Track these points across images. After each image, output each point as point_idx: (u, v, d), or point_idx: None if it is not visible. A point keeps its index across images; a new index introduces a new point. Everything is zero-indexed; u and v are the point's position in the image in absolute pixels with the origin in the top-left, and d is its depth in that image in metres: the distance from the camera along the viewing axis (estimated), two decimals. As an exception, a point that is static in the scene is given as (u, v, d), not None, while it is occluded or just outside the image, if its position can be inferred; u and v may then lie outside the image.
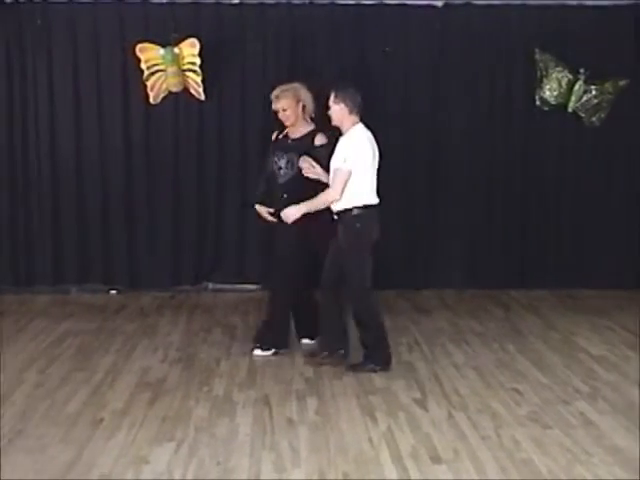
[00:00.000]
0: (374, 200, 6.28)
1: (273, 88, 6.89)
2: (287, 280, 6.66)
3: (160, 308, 8.42)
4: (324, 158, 6.48)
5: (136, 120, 8.90)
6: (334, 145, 6.40)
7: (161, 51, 8.51)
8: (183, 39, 8.47)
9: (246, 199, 8.50)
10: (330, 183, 6.29)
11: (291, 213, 6.31)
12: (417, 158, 9.10)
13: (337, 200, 6.18)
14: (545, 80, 8.88)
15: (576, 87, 8.84)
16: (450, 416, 5.52)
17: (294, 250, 6.61)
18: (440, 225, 9.20)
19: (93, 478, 4.55)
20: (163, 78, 8.61)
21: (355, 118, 6.28)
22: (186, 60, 8.53)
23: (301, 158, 6.54)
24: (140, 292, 9.00)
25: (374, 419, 5.44)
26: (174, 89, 8.68)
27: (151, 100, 8.65)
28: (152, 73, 8.62)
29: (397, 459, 4.81)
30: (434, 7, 8.99)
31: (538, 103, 8.99)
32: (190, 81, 8.61)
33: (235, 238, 9.03)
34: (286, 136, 6.85)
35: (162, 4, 8.81)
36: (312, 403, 5.73)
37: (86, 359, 6.74)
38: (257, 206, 6.99)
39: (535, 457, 4.86)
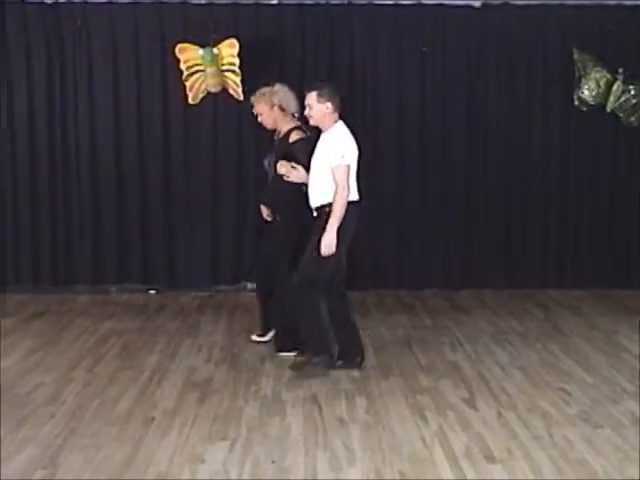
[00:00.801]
0: (356, 197, 6.21)
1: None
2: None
3: (200, 308, 8.45)
4: (300, 151, 6.48)
5: (175, 120, 8.95)
6: (315, 141, 6.35)
7: (200, 51, 8.53)
8: (222, 39, 8.49)
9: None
10: (334, 181, 6.12)
11: (329, 241, 6.01)
12: (454, 158, 9.11)
13: (347, 194, 6.09)
14: (583, 80, 8.85)
15: (614, 87, 8.81)
16: (500, 415, 5.51)
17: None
18: (478, 225, 9.18)
19: (150, 477, 4.54)
20: (202, 78, 8.63)
21: (336, 116, 6.21)
22: (225, 60, 8.55)
23: (278, 164, 6.53)
24: (179, 292, 9.04)
25: (424, 418, 5.44)
26: (213, 89, 8.70)
27: (190, 100, 8.67)
28: (191, 73, 8.64)
29: (451, 458, 4.81)
30: (472, 7, 8.95)
31: (576, 103, 8.97)
32: (229, 81, 8.63)
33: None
34: (277, 136, 6.96)
35: (201, 4, 8.86)
36: (361, 402, 5.73)
37: (131, 358, 6.77)
38: (262, 206, 7.09)
39: (589, 457, 4.84)
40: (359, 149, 6.33)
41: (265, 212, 7.01)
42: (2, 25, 8.78)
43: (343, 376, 6.31)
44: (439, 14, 8.94)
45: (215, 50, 8.51)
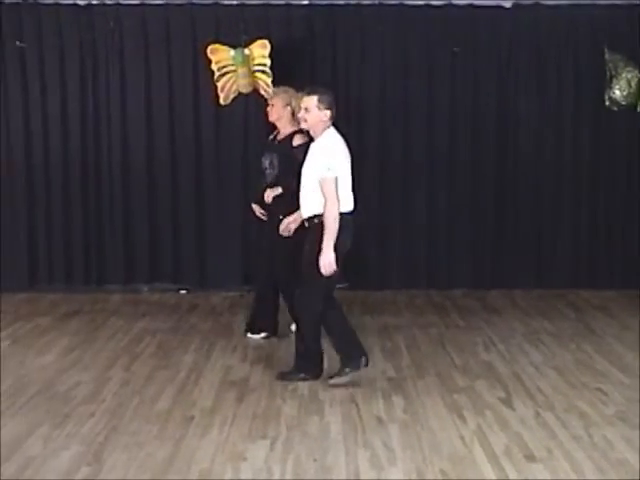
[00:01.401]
0: (348, 207, 5.96)
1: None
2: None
3: (232, 307, 8.50)
4: (302, 155, 6.48)
5: (206, 121, 9.01)
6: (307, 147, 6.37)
7: (232, 52, 8.58)
8: (253, 40, 8.53)
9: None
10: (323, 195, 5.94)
11: (327, 261, 5.83)
12: (484, 158, 9.14)
13: (337, 206, 5.85)
14: (614, 80, 8.84)
15: (646, 87, 8.80)
16: (538, 415, 5.51)
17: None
18: (508, 225, 9.20)
19: (193, 475, 4.57)
20: (233, 79, 8.67)
21: (329, 124, 6.02)
22: (256, 61, 8.58)
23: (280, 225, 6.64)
24: (209, 292, 9.10)
25: (462, 418, 5.46)
26: (244, 90, 8.74)
27: (221, 101, 8.71)
28: (222, 74, 8.68)
29: (492, 457, 4.82)
30: (503, 7, 8.96)
31: (607, 103, 8.95)
32: (260, 82, 8.66)
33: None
34: (275, 137, 7.12)
35: (232, 5, 8.92)
36: (398, 402, 5.75)
37: (167, 357, 6.82)
38: (253, 205, 7.31)
39: (629, 457, 4.84)
40: (358, 155, 6.53)
41: (258, 211, 7.22)
42: (37, 26, 8.82)
43: (379, 375, 6.34)
44: (470, 14, 8.97)
45: (246, 51, 8.56)
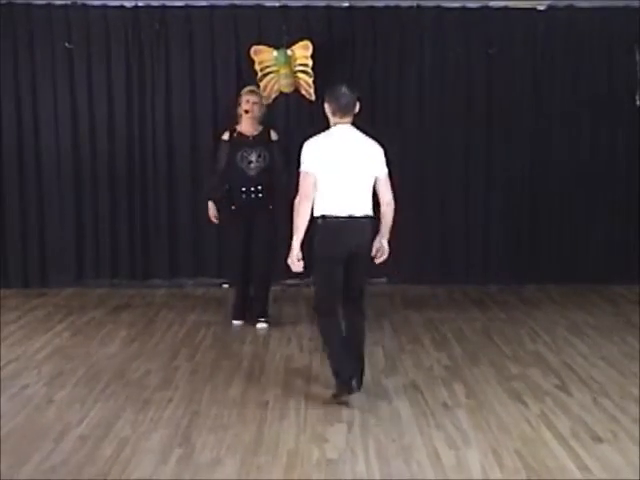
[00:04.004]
0: (335, 212, 5.57)
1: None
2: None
3: (277, 301, 8.69)
4: (277, 151, 7.58)
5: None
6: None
7: (275, 53, 8.83)
8: (295, 41, 8.78)
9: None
10: None
11: (290, 259, 5.63)
12: (520, 157, 9.37)
13: (303, 203, 5.56)
14: (645, 80, 9.08)
15: (677, 87, 9.04)
16: (595, 401, 5.76)
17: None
18: (542, 222, 9.44)
19: (282, 454, 4.83)
20: (275, 79, 8.92)
21: (334, 120, 5.72)
22: (298, 62, 8.84)
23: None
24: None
25: (524, 403, 5.70)
26: (286, 90, 8.98)
27: (263, 101, 8.89)
28: (265, 74, 8.93)
29: (560, 439, 5.07)
30: (537, 9, 9.20)
31: (639, 103, 9.17)
32: (302, 82, 8.91)
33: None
34: (241, 134, 7.53)
35: (275, 7, 9.13)
36: (459, 388, 6.01)
37: (226, 348, 7.07)
38: (210, 203, 7.77)
39: (690, 439, 5.08)
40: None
41: (212, 210, 7.81)
42: (85, 28, 9.05)
43: (434, 364, 6.60)
44: (505, 16, 9.20)
45: (289, 52, 8.80)
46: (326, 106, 5.73)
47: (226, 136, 7.58)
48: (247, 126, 7.51)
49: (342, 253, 5.58)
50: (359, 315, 5.85)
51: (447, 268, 9.43)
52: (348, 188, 5.60)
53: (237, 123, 7.57)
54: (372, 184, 5.71)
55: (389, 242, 5.87)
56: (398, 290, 9.16)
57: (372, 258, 5.82)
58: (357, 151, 5.68)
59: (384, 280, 9.43)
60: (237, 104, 7.59)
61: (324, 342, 5.89)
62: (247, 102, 7.47)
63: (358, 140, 5.73)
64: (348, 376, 5.59)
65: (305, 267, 5.63)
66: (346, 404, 5.59)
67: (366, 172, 5.68)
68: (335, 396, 5.66)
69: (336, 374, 5.67)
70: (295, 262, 5.58)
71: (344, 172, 5.59)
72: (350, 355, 5.69)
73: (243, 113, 7.47)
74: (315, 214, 5.60)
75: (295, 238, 5.54)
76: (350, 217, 5.58)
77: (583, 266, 9.43)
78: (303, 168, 5.58)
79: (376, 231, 5.80)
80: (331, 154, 5.61)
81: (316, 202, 5.60)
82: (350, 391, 5.58)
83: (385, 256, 5.84)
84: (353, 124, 5.76)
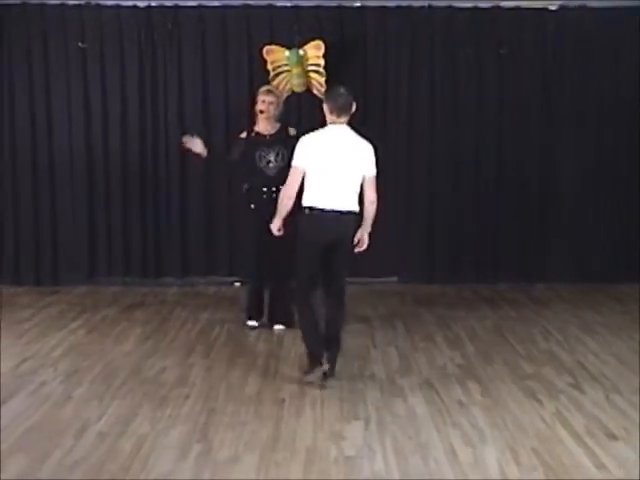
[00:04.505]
0: (321, 204, 5.96)
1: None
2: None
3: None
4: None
5: (262, 120, 9.23)
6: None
7: (287, 53, 8.89)
8: (307, 41, 8.83)
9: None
10: None
11: (276, 227, 6.33)
12: (530, 156, 9.43)
13: (291, 196, 6.09)
14: (657, 80, 9.11)
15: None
16: (608, 398, 5.81)
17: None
18: (551, 221, 9.49)
19: (300, 451, 4.88)
20: (287, 79, 8.98)
21: (330, 119, 6.08)
22: (311, 61, 8.90)
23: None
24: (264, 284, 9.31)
25: (539, 401, 5.75)
26: (298, 89, 9.03)
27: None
28: (277, 74, 8.99)
29: (575, 436, 5.12)
30: (549, 9, 9.24)
31: (649, 103, 9.23)
32: (314, 82, 8.97)
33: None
34: (258, 134, 7.48)
35: (287, 7, 9.18)
36: (474, 387, 6.05)
37: (240, 346, 7.12)
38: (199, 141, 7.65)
39: None
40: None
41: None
42: (99, 27, 9.10)
43: (448, 362, 6.64)
44: (516, 16, 9.23)
45: (301, 51, 8.85)
46: (324, 106, 6.09)
47: (244, 135, 7.57)
48: (263, 125, 7.48)
49: (321, 242, 5.98)
50: (339, 307, 6.21)
51: (457, 267, 9.45)
52: (336, 184, 5.97)
53: (255, 123, 7.52)
54: (360, 182, 6.08)
55: (370, 235, 6.24)
56: (408, 289, 9.21)
57: (353, 247, 6.20)
58: (348, 150, 6.02)
59: (394, 279, 9.49)
60: (254, 103, 7.55)
61: (299, 320, 6.33)
62: (262, 102, 7.44)
63: (350, 139, 6.06)
64: (319, 354, 6.05)
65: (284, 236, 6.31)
66: (321, 387, 5.96)
67: (355, 170, 6.03)
68: (305, 373, 6.13)
69: (309, 353, 6.14)
70: (276, 230, 6.31)
71: (333, 168, 5.96)
72: (321, 337, 6.11)
73: (258, 113, 7.43)
74: (303, 204, 6.02)
75: (277, 218, 6.24)
76: (333, 211, 5.95)
77: (591, 265, 9.47)
78: (293, 162, 6.04)
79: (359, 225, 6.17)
80: (322, 151, 5.98)
81: (305, 194, 6.03)
82: (321, 365, 6.00)
83: (364, 247, 6.23)
84: (349, 124, 6.10)
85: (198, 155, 7.62)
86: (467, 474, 4.60)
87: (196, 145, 7.56)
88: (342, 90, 6.04)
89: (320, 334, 6.11)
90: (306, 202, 6.01)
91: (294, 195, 6.06)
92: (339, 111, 6.00)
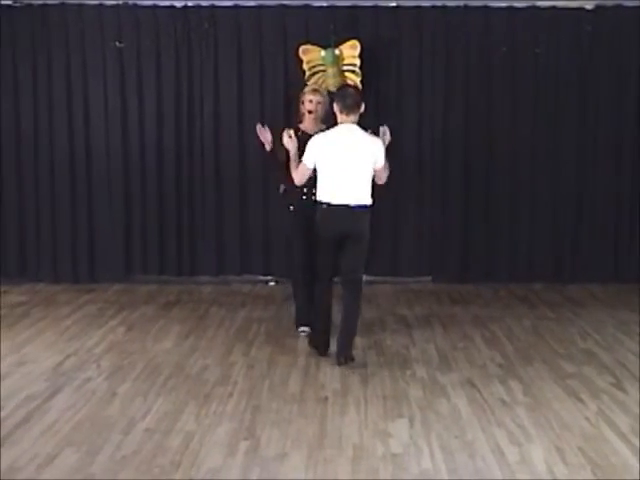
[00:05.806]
0: (332, 200, 6.41)
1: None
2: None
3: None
4: None
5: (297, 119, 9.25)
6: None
7: (322, 52, 8.91)
8: (343, 41, 8.86)
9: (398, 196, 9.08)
10: None
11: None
12: (566, 156, 9.38)
13: (296, 175, 6.75)
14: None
15: None
16: (652, 398, 5.80)
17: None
18: (586, 221, 9.46)
19: (347, 448, 4.91)
20: (323, 78, 9.00)
21: (340, 118, 6.53)
22: (346, 61, 8.93)
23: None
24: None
25: (581, 400, 5.76)
26: (333, 89, 9.01)
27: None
28: (313, 74, 9.01)
29: (621, 436, 5.13)
30: (585, 9, 9.22)
31: (687, 104, 9.20)
32: (349, 81, 8.96)
33: (387, 231, 9.35)
34: (304, 133, 7.30)
35: (323, 7, 9.21)
36: (516, 386, 6.07)
37: (280, 344, 7.14)
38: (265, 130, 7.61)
39: None
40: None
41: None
42: (136, 27, 9.16)
43: (488, 362, 6.65)
44: (552, 15, 9.21)
45: (337, 51, 8.88)
46: (334, 105, 6.53)
47: (291, 133, 7.52)
48: (310, 125, 7.37)
49: (333, 236, 6.45)
50: (355, 299, 6.61)
51: (491, 267, 9.45)
52: (346, 179, 6.38)
53: (300, 122, 7.47)
54: (371, 175, 6.49)
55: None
56: (443, 289, 9.22)
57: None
58: (356, 146, 6.42)
59: (429, 279, 9.50)
60: (300, 102, 7.49)
61: (315, 305, 6.82)
62: (310, 102, 7.36)
63: (359, 137, 6.45)
64: (321, 333, 6.74)
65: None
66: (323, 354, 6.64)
67: (364, 166, 6.42)
68: (310, 340, 6.90)
69: (312, 329, 6.93)
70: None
71: (342, 165, 6.38)
72: (329, 322, 6.77)
73: (306, 113, 7.36)
74: (317, 199, 6.54)
75: (293, 160, 6.80)
76: (344, 205, 6.36)
77: (624, 266, 9.45)
78: (303, 159, 6.54)
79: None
80: (333, 149, 6.41)
81: (318, 190, 6.54)
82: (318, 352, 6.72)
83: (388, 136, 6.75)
84: (358, 123, 6.53)
85: (263, 146, 7.52)
86: (515, 473, 4.62)
87: (267, 136, 7.48)
88: (350, 90, 6.62)
89: (327, 327, 6.74)
90: (319, 198, 6.49)
91: (298, 183, 6.77)
92: (348, 110, 6.42)
